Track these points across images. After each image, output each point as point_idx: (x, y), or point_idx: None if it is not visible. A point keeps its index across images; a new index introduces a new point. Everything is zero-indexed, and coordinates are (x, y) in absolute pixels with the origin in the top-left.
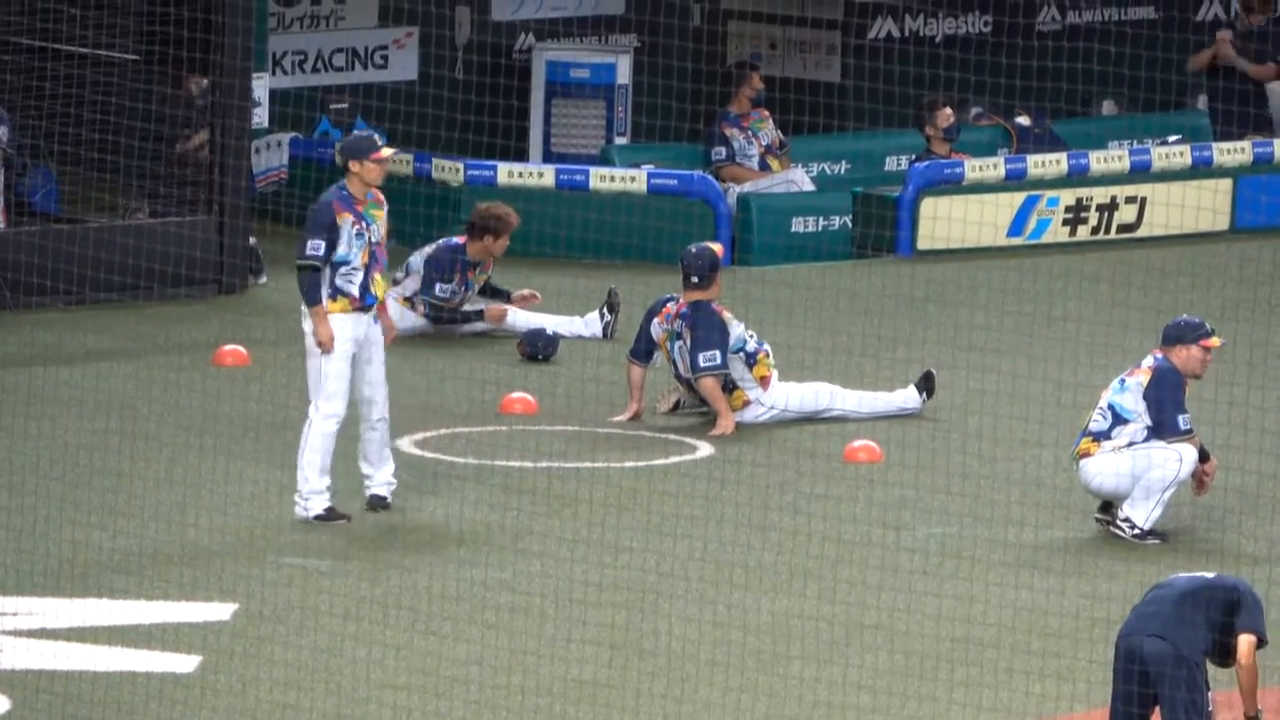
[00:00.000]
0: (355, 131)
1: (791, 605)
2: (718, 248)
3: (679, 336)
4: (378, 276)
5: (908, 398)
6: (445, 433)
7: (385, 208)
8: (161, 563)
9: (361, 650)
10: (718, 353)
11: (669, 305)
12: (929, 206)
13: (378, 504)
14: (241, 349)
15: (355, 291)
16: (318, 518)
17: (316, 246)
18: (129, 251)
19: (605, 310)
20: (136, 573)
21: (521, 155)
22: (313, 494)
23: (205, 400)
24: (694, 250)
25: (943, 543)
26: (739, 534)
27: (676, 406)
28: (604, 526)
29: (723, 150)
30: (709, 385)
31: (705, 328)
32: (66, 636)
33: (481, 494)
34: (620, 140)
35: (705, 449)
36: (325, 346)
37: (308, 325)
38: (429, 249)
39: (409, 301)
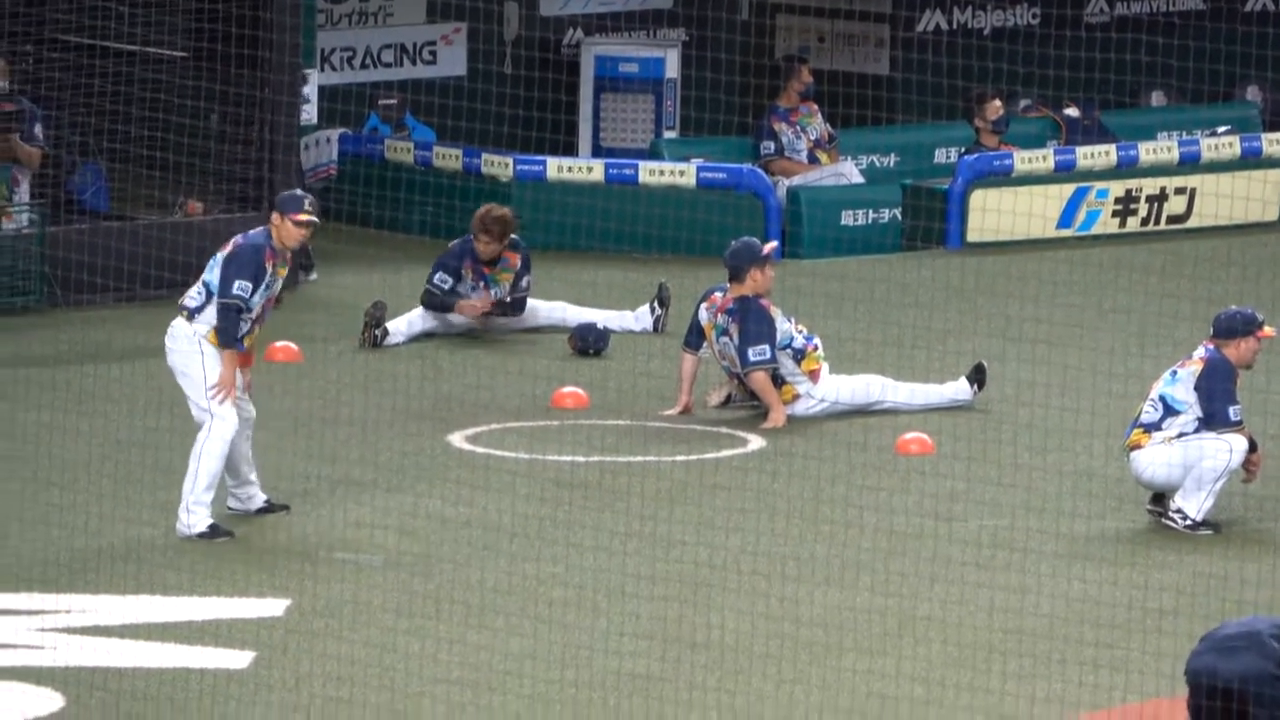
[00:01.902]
0: (294, 192)
1: (844, 597)
2: (770, 245)
3: (725, 332)
4: (257, 329)
5: (959, 390)
6: (497, 428)
7: (288, 267)
8: (214, 559)
9: (414, 645)
10: (767, 346)
11: (716, 294)
12: (978, 199)
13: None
14: (293, 345)
15: (231, 327)
16: (201, 535)
17: (245, 288)
18: (179, 248)
19: (656, 304)
20: (189, 569)
21: (570, 150)
22: (198, 505)
23: (256, 396)
24: (732, 244)
25: (995, 534)
26: (791, 526)
27: (727, 400)
28: (656, 520)
29: (771, 144)
30: (759, 379)
31: (753, 322)
32: (120, 633)
33: (533, 488)
34: (669, 134)
35: (756, 442)
36: (223, 390)
37: (197, 333)
38: (454, 242)
39: None
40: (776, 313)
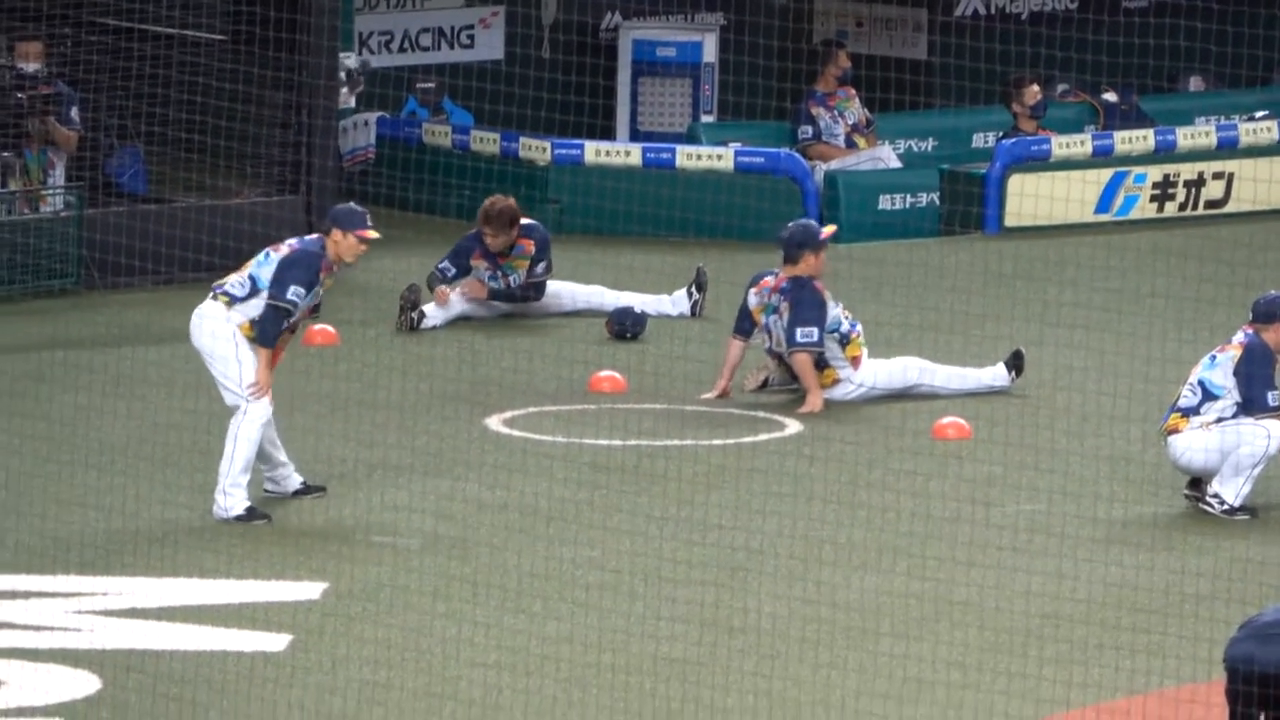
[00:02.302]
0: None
1: (881, 582)
2: (828, 229)
3: (775, 310)
4: (288, 336)
5: (996, 375)
6: (534, 411)
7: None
8: (251, 542)
9: (451, 628)
10: (815, 330)
11: (767, 279)
12: (1016, 183)
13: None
14: (330, 328)
15: (273, 328)
16: (238, 518)
17: (299, 294)
18: (216, 231)
19: (693, 289)
20: (226, 552)
21: (608, 134)
22: (235, 488)
23: (294, 379)
24: (789, 226)
25: (1032, 519)
26: (828, 511)
27: (764, 384)
28: (693, 504)
29: (809, 129)
30: (802, 361)
31: (806, 305)
32: (157, 616)
33: (570, 472)
34: (707, 118)
35: (794, 426)
36: (259, 390)
37: (232, 321)
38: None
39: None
40: (828, 296)
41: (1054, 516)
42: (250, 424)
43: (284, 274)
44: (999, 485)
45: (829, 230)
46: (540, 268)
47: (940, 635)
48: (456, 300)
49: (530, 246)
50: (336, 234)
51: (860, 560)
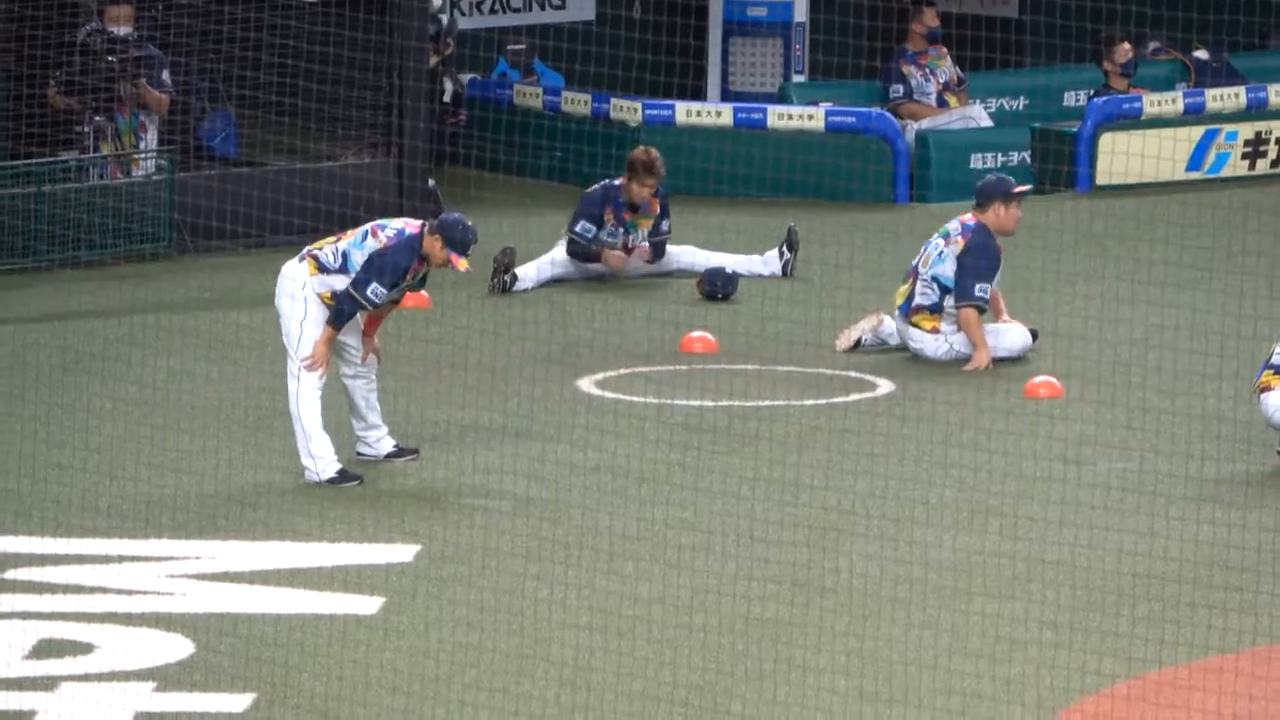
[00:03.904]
0: (455, 217)
1: (973, 542)
2: (1023, 186)
3: (947, 237)
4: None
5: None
6: (625, 373)
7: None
8: (344, 504)
9: (543, 590)
10: (989, 285)
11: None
12: (1107, 142)
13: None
14: (422, 291)
15: (345, 312)
16: (330, 480)
17: (379, 293)
18: (308, 194)
19: (784, 248)
20: (319, 515)
21: (699, 94)
22: (319, 453)
23: (385, 342)
24: (985, 177)
25: (1124, 478)
26: (920, 471)
27: (857, 345)
28: (785, 465)
29: (900, 87)
30: (970, 316)
31: (984, 256)
32: (249, 579)
33: (662, 433)
34: (798, 78)
35: (885, 386)
36: (315, 364)
37: (311, 287)
38: (592, 187)
39: None
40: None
41: (1146, 475)
42: (305, 396)
43: (371, 266)
44: (1091, 444)
45: (1022, 187)
46: (664, 226)
47: (1032, 595)
48: (636, 259)
49: (656, 206)
50: (437, 240)
51: (952, 520)
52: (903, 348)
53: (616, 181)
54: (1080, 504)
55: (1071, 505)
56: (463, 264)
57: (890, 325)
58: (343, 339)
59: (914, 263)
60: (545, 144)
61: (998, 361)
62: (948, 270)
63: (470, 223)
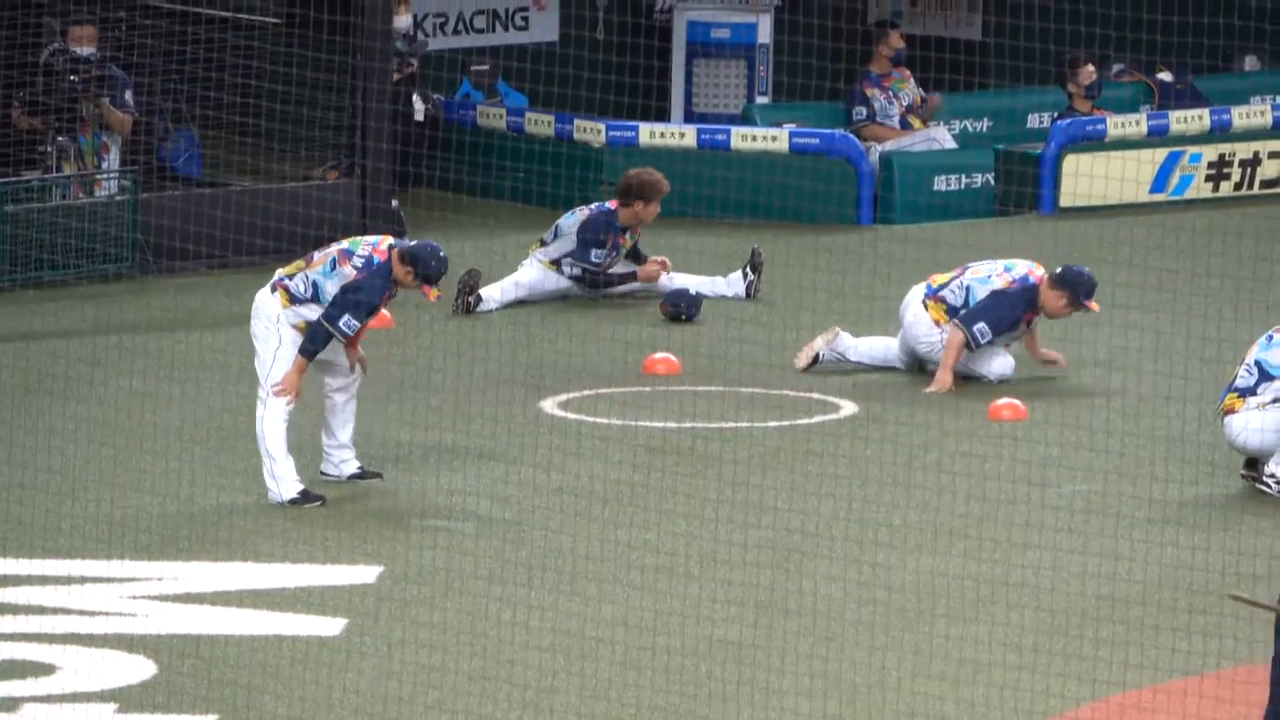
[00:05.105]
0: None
1: (936, 564)
2: (1096, 307)
3: (1007, 270)
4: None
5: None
6: (589, 394)
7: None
8: (306, 525)
9: (506, 612)
10: (990, 332)
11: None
12: (1071, 163)
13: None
14: (385, 311)
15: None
16: (292, 501)
17: (352, 326)
18: (270, 215)
19: (748, 270)
20: (281, 536)
21: (663, 115)
22: (282, 475)
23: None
24: (1075, 269)
25: (1087, 500)
26: (883, 492)
27: (814, 362)
28: (748, 486)
29: (864, 110)
30: (956, 340)
31: (1010, 308)
32: (212, 600)
33: (625, 454)
34: (761, 100)
35: (849, 407)
36: (284, 392)
37: (285, 320)
38: (582, 214)
39: (555, 265)
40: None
41: (1110, 497)
42: (271, 421)
43: (345, 299)
44: (1054, 466)
45: (1095, 307)
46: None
47: (996, 617)
48: (666, 277)
49: (637, 229)
50: (409, 271)
51: (916, 542)
52: (861, 367)
53: (608, 205)
54: (1044, 526)
55: (1035, 527)
56: (433, 294)
57: (847, 340)
58: (326, 356)
59: (968, 263)
60: (509, 165)
61: (973, 380)
62: (980, 293)
63: (443, 252)
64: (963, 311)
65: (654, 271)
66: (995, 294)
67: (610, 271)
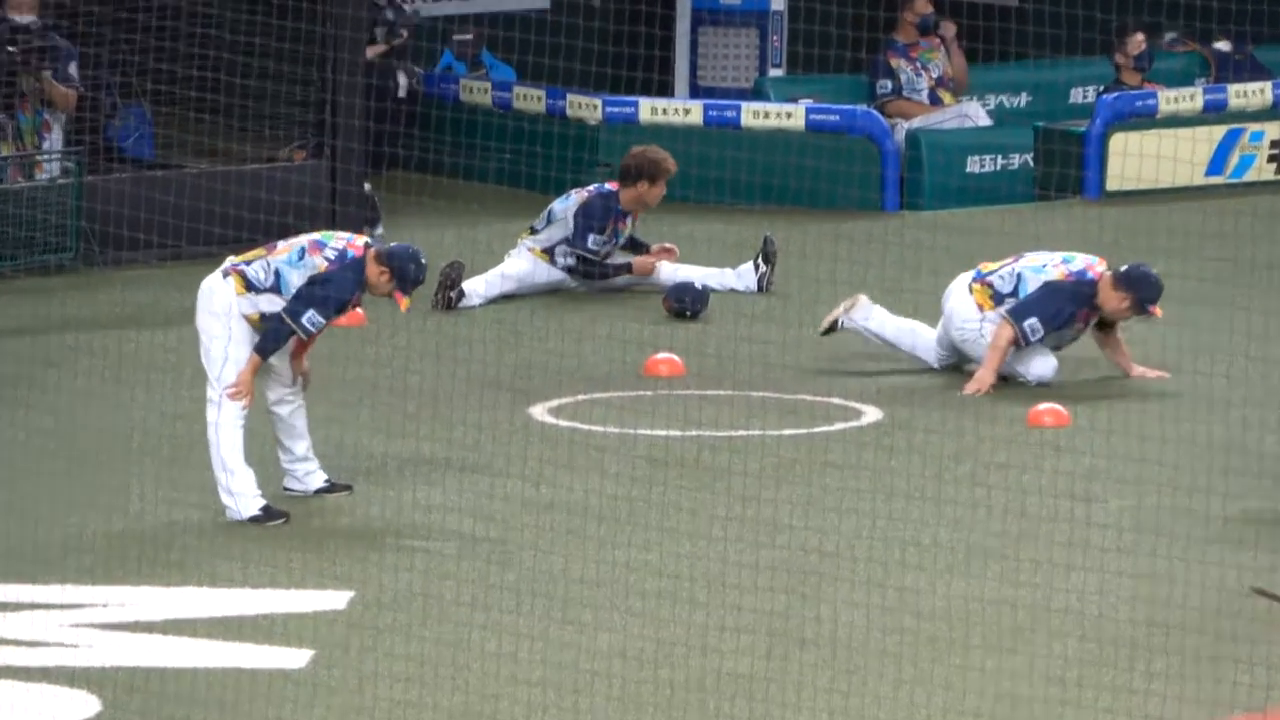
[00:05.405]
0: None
1: (970, 588)
2: (1159, 312)
3: (1065, 261)
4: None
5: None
6: (583, 399)
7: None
8: (268, 546)
9: (491, 642)
10: (1041, 327)
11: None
12: (1119, 142)
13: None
14: (357, 308)
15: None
16: (253, 519)
17: (316, 323)
18: (230, 200)
19: (760, 261)
20: (240, 557)
21: (665, 90)
22: (240, 489)
23: (316, 364)
24: (1145, 270)
25: (1137, 516)
26: (911, 508)
27: (833, 328)
28: (760, 502)
29: (889, 83)
30: (1004, 334)
31: (1063, 303)
32: (163, 629)
33: (623, 467)
34: (775, 72)
35: (873, 413)
36: (238, 394)
37: (239, 309)
38: (578, 196)
39: (547, 254)
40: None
41: (1163, 513)
42: (225, 426)
43: (312, 293)
44: (1100, 478)
45: (1158, 312)
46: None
47: (1037, 647)
48: (669, 266)
49: (638, 214)
50: (385, 273)
51: (947, 563)
52: (883, 353)
53: (608, 187)
54: (1089, 545)
55: (1079, 547)
56: (405, 304)
57: (867, 309)
58: (270, 359)
59: (1025, 252)
60: (494, 144)
61: (1016, 383)
62: (1032, 283)
63: (424, 258)
64: (1010, 301)
65: (649, 265)
66: (1048, 286)
67: (608, 262)
